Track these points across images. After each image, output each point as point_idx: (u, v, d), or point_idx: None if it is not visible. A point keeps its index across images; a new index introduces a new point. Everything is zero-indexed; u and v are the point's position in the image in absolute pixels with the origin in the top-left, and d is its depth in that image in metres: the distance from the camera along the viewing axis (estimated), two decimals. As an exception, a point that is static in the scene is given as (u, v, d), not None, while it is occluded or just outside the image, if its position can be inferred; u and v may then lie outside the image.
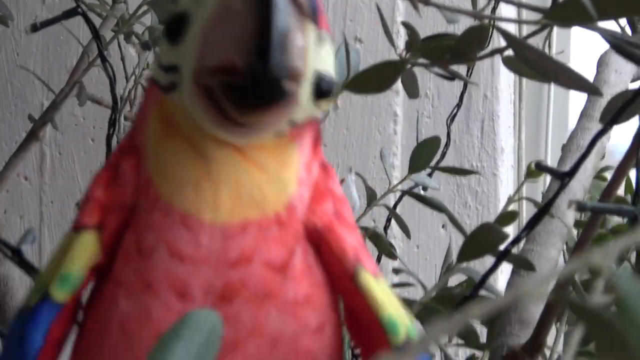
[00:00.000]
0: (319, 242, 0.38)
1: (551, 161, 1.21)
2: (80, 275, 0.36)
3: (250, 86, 0.32)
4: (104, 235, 0.37)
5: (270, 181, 0.36)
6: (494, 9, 0.66)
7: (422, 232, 1.10)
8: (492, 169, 1.11)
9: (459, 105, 0.86)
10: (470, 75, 0.86)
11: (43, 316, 0.36)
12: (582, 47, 1.21)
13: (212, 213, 0.35)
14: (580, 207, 0.49)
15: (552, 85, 1.13)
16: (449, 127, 0.84)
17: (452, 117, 0.85)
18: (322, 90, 0.35)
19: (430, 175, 0.73)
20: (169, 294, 0.35)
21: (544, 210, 0.49)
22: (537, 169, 0.52)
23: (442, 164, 0.81)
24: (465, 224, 1.10)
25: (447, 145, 0.82)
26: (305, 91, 0.35)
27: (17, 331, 0.36)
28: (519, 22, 0.56)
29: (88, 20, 0.59)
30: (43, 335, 0.36)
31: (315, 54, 0.35)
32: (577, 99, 1.02)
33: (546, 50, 1.09)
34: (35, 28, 0.64)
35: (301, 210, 0.37)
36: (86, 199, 0.38)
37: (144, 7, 0.77)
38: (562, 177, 0.49)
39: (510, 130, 1.17)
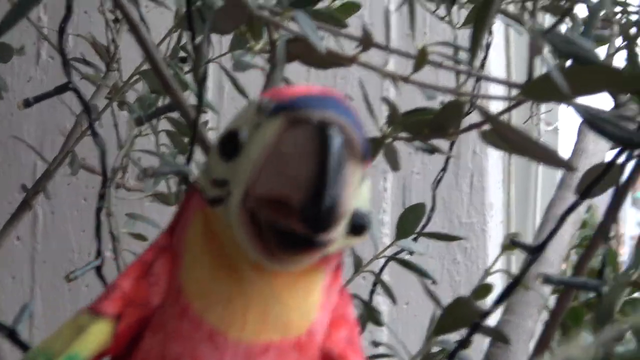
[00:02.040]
0: None
1: (540, 218, 1.22)
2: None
3: (298, 234, 0.33)
4: (120, 325, 0.38)
5: (296, 306, 0.38)
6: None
7: (411, 290, 1.09)
8: (481, 224, 1.12)
9: (444, 169, 0.87)
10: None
11: None
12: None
13: (239, 331, 0.37)
14: (547, 280, 0.50)
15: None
16: (434, 191, 0.85)
17: (437, 182, 0.86)
18: (357, 226, 0.37)
19: (415, 239, 0.74)
20: None
21: (515, 283, 0.51)
22: (512, 244, 0.54)
23: (431, 222, 0.81)
24: (454, 280, 1.11)
25: (432, 209, 0.83)
26: (342, 228, 0.36)
27: None
28: (495, 98, 0.58)
29: (80, 95, 0.60)
30: None
31: (356, 193, 0.36)
32: (566, 154, 1.03)
33: (534, 110, 1.11)
34: (28, 103, 0.66)
35: (320, 335, 0.39)
36: (112, 287, 0.39)
37: (136, 76, 0.79)
38: (533, 252, 0.51)
39: (499, 186, 1.18)
